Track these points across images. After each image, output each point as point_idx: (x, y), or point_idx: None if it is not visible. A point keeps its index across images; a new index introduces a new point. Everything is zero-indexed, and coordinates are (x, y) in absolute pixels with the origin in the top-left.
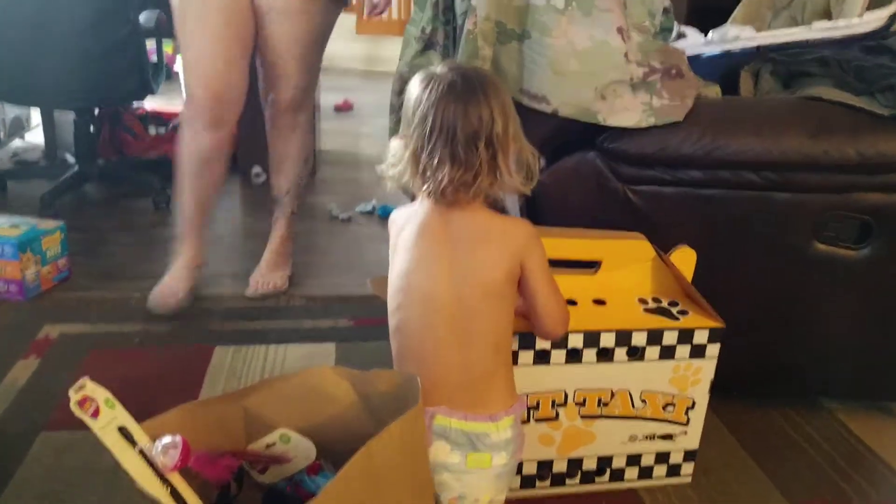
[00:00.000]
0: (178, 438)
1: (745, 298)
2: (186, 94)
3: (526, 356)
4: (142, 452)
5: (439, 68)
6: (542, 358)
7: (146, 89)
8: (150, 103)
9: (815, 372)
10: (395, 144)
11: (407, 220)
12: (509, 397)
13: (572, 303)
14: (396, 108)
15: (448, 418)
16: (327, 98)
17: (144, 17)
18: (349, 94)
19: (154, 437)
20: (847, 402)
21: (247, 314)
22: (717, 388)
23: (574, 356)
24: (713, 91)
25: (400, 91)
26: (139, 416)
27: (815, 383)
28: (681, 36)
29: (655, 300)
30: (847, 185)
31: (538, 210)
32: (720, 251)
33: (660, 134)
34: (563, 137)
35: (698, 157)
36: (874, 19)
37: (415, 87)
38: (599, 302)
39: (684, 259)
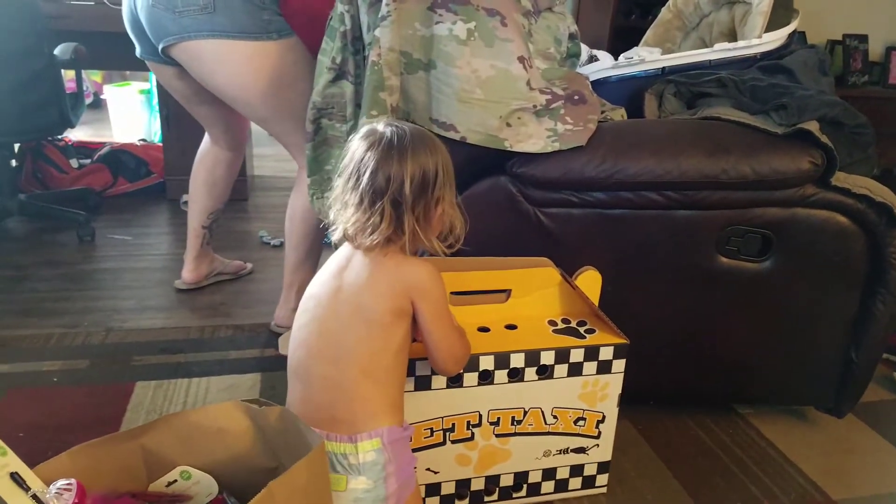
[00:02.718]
0: (73, 481)
1: (656, 313)
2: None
3: (439, 381)
4: (35, 497)
5: (383, 125)
6: (455, 381)
7: (65, 123)
8: (77, 134)
9: (726, 381)
10: (337, 181)
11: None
12: (377, 421)
13: (485, 329)
14: (311, 137)
15: None
16: None
17: (60, 50)
18: None
19: (48, 482)
20: (760, 408)
21: (170, 347)
22: (633, 399)
23: (486, 378)
24: (618, 114)
25: (314, 120)
26: None
27: (727, 392)
28: (593, 59)
29: (565, 321)
30: (746, 201)
31: None
32: (629, 269)
33: (564, 158)
34: (477, 163)
35: (601, 180)
36: (773, 39)
37: (356, 137)
38: (511, 327)
39: (590, 281)
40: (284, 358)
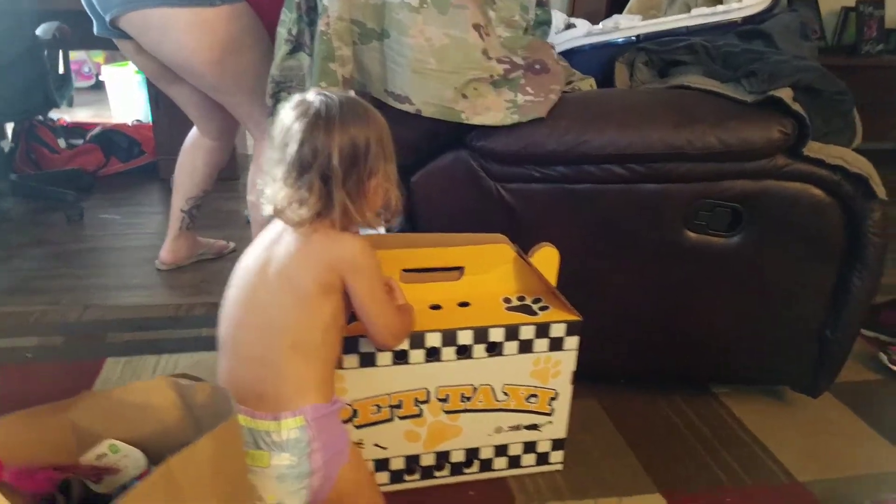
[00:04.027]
0: None
1: (624, 290)
2: None
3: (384, 358)
4: None
5: (313, 94)
6: (401, 358)
7: (49, 103)
8: (79, 115)
9: (699, 360)
10: (267, 152)
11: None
12: (301, 399)
13: (437, 307)
14: (271, 112)
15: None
16: None
17: (42, 30)
18: None
19: None
20: (737, 388)
21: (145, 324)
22: (602, 378)
23: (433, 355)
24: (587, 84)
25: (273, 94)
26: None
27: (701, 371)
28: (570, 27)
29: (520, 298)
30: (714, 173)
31: (415, 210)
32: (595, 245)
33: (524, 131)
34: (437, 137)
35: (563, 153)
36: (753, 3)
37: (287, 106)
38: (464, 305)
39: (546, 257)
40: None
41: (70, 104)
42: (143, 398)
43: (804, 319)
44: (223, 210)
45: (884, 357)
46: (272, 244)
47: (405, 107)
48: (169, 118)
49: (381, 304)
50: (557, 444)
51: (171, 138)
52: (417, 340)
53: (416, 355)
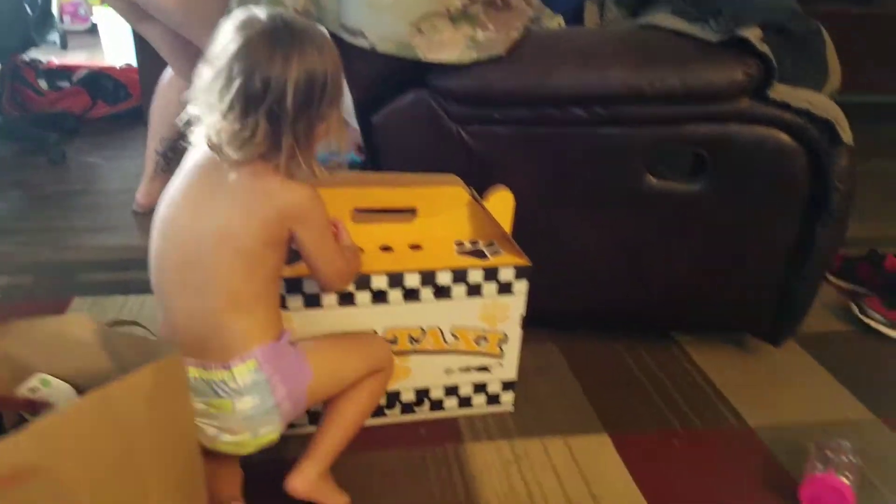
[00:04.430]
0: None
1: (587, 236)
2: None
3: (330, 299)
4: None
5: (262, 12)
6: (347, 300)
7: (27, 43)
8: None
9: (662, 307)
10: (201, 71)
11: (191, 152)
12: (248, 344)
13: (388, 249)
14: None
15: (189, 367)
16: None
17: None
18: None
19: None
20: (700, 336)
21: (116, 265)
22: (564, 324)
23: (380, 297)
24: (555, 22)
25: None
26: None
27: (664, 318)
28: None
29: (473, 243)
30: (677, 116)
31: (376, 152)
32: (557, 190)
33: (483, 70)
34: (395, 75)
35: (522, 93)
36: None
37: (229, 22)
38: (416, 247)
39: (501, 201)
40: None
41: (64, 46)
42: (73, 333)
43: (767, 267)
44: None
45: (855, 309)
46: (201, 189)
47: (359, 42)
48: (155, 61)
49: (331, 253)
50: (508, 386)
51: (157, 82)
52: (363, 282)
53: (363, 297)
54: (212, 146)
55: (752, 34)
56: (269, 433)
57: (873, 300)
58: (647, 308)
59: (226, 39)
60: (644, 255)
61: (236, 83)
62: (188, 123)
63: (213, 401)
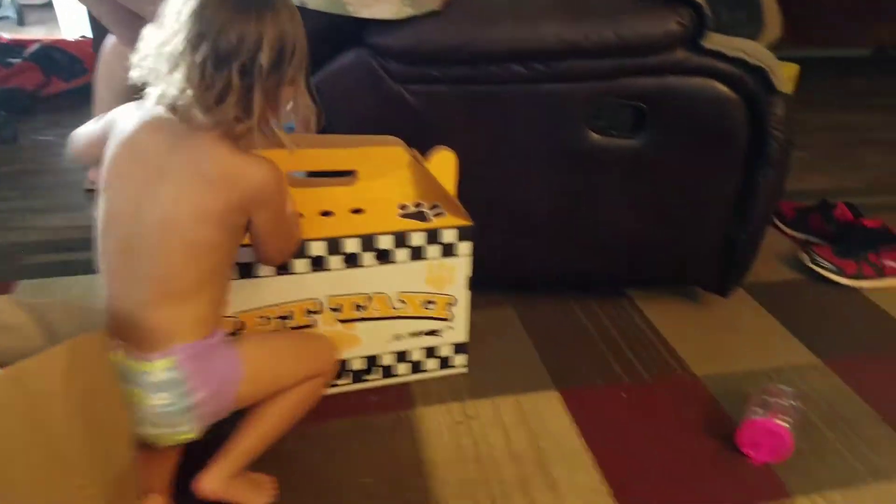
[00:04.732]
0: None
1: (534, 194)
2: None
3: (264, 268)
4: None
5: None
6: (284, 268)
7: None
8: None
9: (611, 263)
10: (150, 33)
11: (129, 117)
12: (171, 339)
13: (328, 214)
14: None
15: (117, 352)
16: None
17: None
18: None
19: None
20: (651, 290)
21: (63, 246)
22: (519, 285)
23: (319, 264)
24: None
25: None
26: None
27: (614, 274)
28: None
29: (417, 205)
30: (614, 70)
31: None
32: (501, 149)
33: (419, 25)
34: (328, 32)
35: (459, 49)
36: None
37: None
38: (358, 211)
39: (444, 161)
40: None
41: (21, 22)
42: None
43: (711, 219)
44: None
45: (806, 258)
46: (148, 174)
47: None
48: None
49: (285, 234)
50: (459, 349)
51: None
52: (301, 250)
53: (301, 265)
54: (174, 109)
55: None
56: (185, 432)
57: (824, 249)
58: (597, 264)
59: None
60: (589, 211)
61: (208, 38)
62: (140, 88)
63: (128, 390)
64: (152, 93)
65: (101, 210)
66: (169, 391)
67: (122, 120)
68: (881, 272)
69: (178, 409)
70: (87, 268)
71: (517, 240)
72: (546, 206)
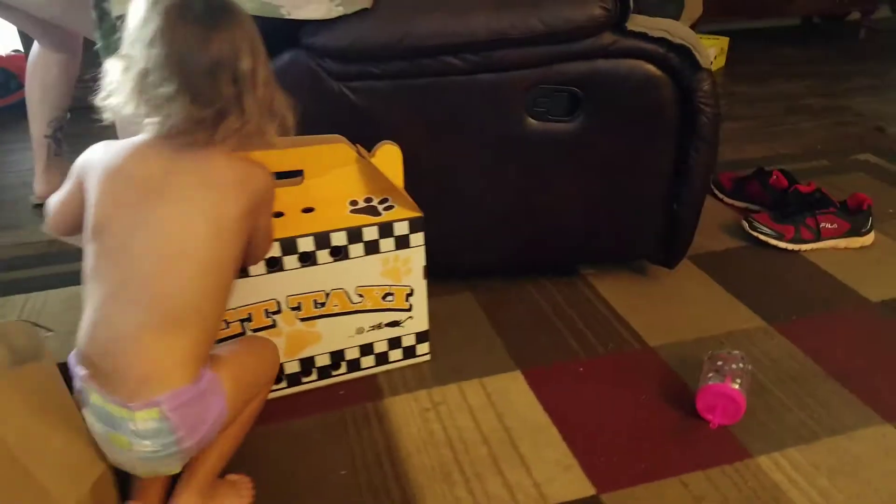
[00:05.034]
0: None
1: (480, 184)
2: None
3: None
4: None
5: None
6: (241, 272)
7: None
8: None
9: (562, 244)
10: (113, 67)
11: (104, 157)
12: (159, 384)
13: (279, 215)
14: (98, 25)
15: (90, 388)
16: None
17: None
18: None
19: None
20: (602, 268)
21: (13, 263)
22: (477, 273)
23: (274, 265)
24: None
25: (95, 5)
26: None
27: (566, 255)
28: None
29: (367, 200)
30: (546, 57)
31: None
32: (445, 141)
33: (352, 24)
34: (268, 36)
35: (393, 45)
36: None
37: (146, 6)
38: (308, 210)
39: (388, 155)
40: None
41: None
42: None
43: (650, 195)
44: (93, 136)
45: (746, 225)
46: (148, 203)
47: None
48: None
49: (272, 233)
50: (421, 337)
51: None
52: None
53: (257, 268)
54: (179, 133)
55: None
56: (168, 470)
57: (763, 215)
58: (547, 246)
59: (156, 26)
60: (534, 195)
61: (190, 59)
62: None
63: (111, 433)
64: (148, 124)
65: (91, 253)
66: (154, 439)
67: (96, 163)
68: (818, 235)
69: (165, 454)
70: (41, 284)
71: (469, 227)
72: (493, 193)
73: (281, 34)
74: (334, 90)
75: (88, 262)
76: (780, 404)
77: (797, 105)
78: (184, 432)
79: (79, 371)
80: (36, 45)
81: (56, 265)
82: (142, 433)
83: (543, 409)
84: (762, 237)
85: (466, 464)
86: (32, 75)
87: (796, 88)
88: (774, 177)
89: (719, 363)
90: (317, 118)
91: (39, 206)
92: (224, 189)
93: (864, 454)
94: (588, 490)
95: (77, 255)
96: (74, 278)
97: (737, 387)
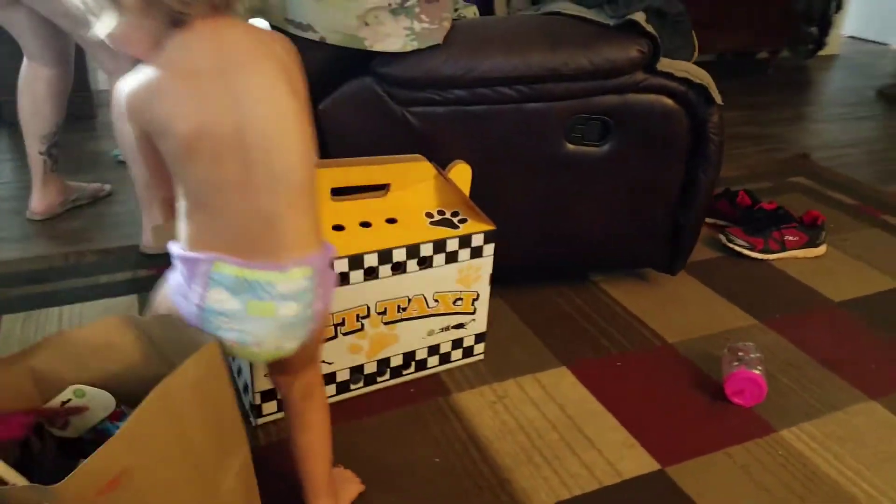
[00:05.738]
0: None
1: (517, 199)
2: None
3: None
4: None
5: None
6: (344, 280)
7: None
8: None
9: (580, 253)
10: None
11: (156, 89)
12: (307, 247)
13: (367, 224)
14: None
15: (227, 265)
16: None
17: None
18: None
19: None
20: (610, 274)
21: (34, 277)
22: (502, 279)
23: (371, 273)
24: (471, 11)
25: None
26: None
27: (582, 262)
28: None
29: (440, 213)
30: (586, 90)
31: (323, 138)
32: (492, 161)
33: (423, 57)
34: (340, 63)
35: (458, 77)
36: None
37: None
38: (391, 221)
39: (461, 173)
40: (161, 277)
41: None
42: (103, 337)
43: (662, 211)
44: (86, 151)
45: (723, 238)
46: (238, 82)
47: (308, 35)
48: (11, 53)
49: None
50: (479, 338)
51: (14, 76)
52: (356, 262)
53: (356, 275)
54: (213, 6)
55: (639, 17)
56: (290, 346)
57: (736, 230)
58: (569, 255)
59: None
60: (563, 209)
61: None
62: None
63: (252, 302)
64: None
65: (194, 166)
66: (298, 301)
67: (150, 81)
68: (783, 246)
69: (300, 320)
70: (71, 297)
71: (504, 238)
72: (527, 207)
73: (351, 62)
74: (396, 113)
75: (193, 174)
76: (786, 388)
77: (736, 132)
78: (321, 291)
79: (205, 256)
80: (26, 62)
81: (77, 278)
82: (289, 294)
83: (595, 398)
84: (737, 248)
85: (543, 448)
86: (24, 92)
87: (732, 117)
88: (740, 196)
89: (740, 353)
90: (376, 138)
91: (36, 222)
92: (280, 58)
93: (861, 425)
94: (653, 465)
95: (96, 268)
96: (102, 291)
97: (759, 372)
